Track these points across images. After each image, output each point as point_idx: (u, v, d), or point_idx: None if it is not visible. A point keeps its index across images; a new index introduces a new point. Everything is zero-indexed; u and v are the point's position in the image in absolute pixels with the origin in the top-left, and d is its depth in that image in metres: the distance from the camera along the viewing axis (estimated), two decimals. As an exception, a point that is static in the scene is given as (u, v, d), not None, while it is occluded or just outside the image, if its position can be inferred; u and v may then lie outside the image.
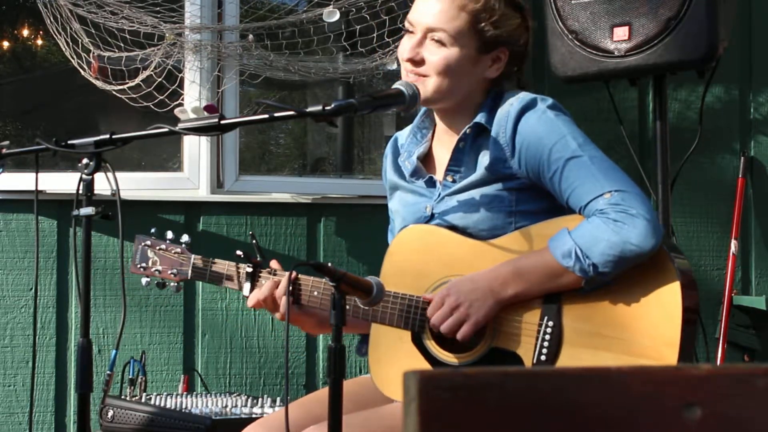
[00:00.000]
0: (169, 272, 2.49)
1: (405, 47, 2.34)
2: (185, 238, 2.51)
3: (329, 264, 2.04)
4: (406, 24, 2.36)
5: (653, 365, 1.10)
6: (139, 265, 2.53)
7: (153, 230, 2.54)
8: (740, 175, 4.27)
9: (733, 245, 4.23)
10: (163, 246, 2.51)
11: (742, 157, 4.29)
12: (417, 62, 2.31)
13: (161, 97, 3.69)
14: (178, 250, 2.50)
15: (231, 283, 2.42)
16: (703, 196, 4.29)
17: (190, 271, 2.48)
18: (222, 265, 2.44)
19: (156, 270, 2.51)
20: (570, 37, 3.43)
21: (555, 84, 3.69)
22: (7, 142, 2.36)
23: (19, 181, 3.71)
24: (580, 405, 1.02)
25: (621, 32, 3.34)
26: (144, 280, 2.53)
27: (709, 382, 1.04)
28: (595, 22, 3.39)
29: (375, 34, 3.84)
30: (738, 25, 4.08)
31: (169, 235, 2.52)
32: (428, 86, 2.30)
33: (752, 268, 4.33)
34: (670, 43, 3.27)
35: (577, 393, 1.02)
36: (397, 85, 2.24)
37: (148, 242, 2.53)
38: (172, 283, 2.50)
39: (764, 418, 1.03)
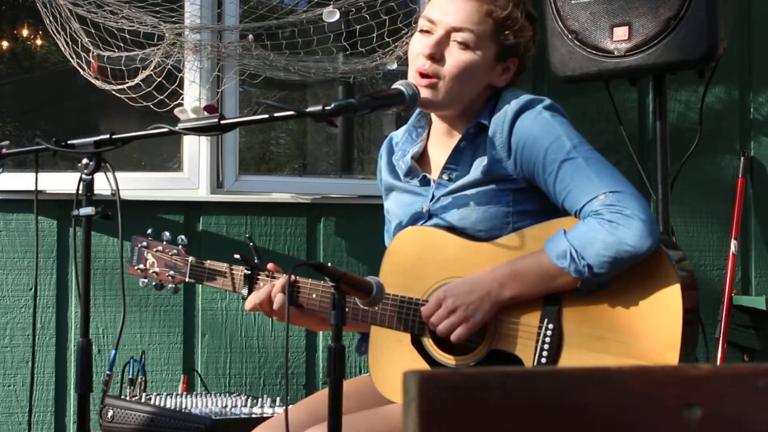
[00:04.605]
0: (167, 274, 2.50)
1: (423, 44, 2.30)
2: (182, 239, 2.51)
3: (329, 264, 2.04)
4: (424, 22, 2.32)
5: (653, 365, 1.10)
6: (136, 267, 2.53)
7: (150, 231, 2.54)
8: (740, 175, 4.28)
9: (733, 245, 4.23)
10: (160, 247, 2.51)
11: (742, 157, 4.29)
12: (437, 60, 2.28)
13: (161, 97, 3.69)
14: (175, 251, 2.50)
15: (228, 286, 2.42)
16: (703, 196, 4.29)
17: (187, 274, 2.48)
18: (219, 268, 2.44)
19: (153, 272, 2.51)
20: (570, 37, 3.43)
21: (555, 84, 3.69)
22: (7, 142, 2.36)
23: (19, 181, 3.71)
24: (580, 405, 1.02)
25: (621, 32, 3.34)
26: (141, 282, 2.54)
27: (709, 382, 1.04)
28: (595, 22, 3.39)
29: (375, 34, 3.84)
30: (738, 25, 4.08)
31: (166, 236, 2.53)
32: (440, 90, 2.29)
33: (752, 268, 4.33)
34: (670, 43, 3.27)
35: (577, 393, 1.02)
36: (397, 85, 2.23)
37: (145, 243, 2.53)
38: (170, 285, 2.50)
39: (764, 418, 1.03)
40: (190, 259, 2.48)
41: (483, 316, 2.19)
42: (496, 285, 2.18)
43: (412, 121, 2.45)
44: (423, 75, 2.29)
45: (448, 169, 2.34)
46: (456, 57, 2.28)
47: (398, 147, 2.46)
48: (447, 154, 2.35)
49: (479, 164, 2.28)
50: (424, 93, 2.28)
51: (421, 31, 2.33)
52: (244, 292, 2.39)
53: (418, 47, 2.31)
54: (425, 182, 2.38)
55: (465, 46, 2.28)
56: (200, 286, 3.84)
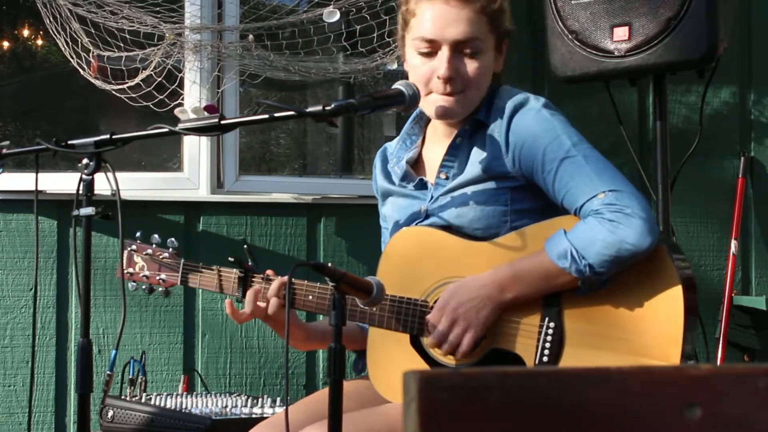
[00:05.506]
0: (157, 278, 2.46)
1: (433, 67, 2.27)
2: (172, 241, 2.48)
3: (329, 264, 2.04)
4: (421, 44, 2.29)
5: (653, 365, 1.10)
6: (126, 271, 2.48)
7: (138, 234, 2.51)
8: (740, 175, 4.28)
9: (733, 245, 4.24)
10: (150, 250, 2.47)
11: (742, 157, 4.29)
12: (454, 79, 2.27)
13: (161, 97, 3.69)
14: (166, 254, 2.46)
15: (221, 289, 2.40)
16: (703, 196, 4.29)
17: (179, 277, 2.45)
18: (212, 271, 2.42)
19: (143, 275, 2.47)
20: (570, 37, 3.43)
21: (555, 84, 3.69)
22: (7, 142, 2.36)
23: (19, 181, 3.71)
24: (580, 405, 1.02)
25: (621, 32, 3.34)
26: (131, 285, 2.50)
27: (709, 382, 1.04)
28: (595, 22, 3.39)
29: (375, 34, 3.84)
30: (738, 25, 4.08)
31: (156, 238, 2.49)
32: (466, 102, 2.29)
33: (752, 268, 4.33)
34: (670, 43, 3.27)
35: (577, 393, 1.02)
36: (397, 85, 2.23)
37: (134, 246, 2.50)
38: (160, 288, 2.47)
39: (764, 418, 1.03)
40: (182, 262, 2.45)
41: (485, 322, 2.19)
42: (496, 288, 2.18)
43: (406, 129, 2.46)
44: (448, 94, 2.28)
45: (446, 166, 2.33)
46: (472, 67, 2.28)
47: (392, 155, 2.46)
48: (443, 152, 2.35)
49: (477, 159, 2.28)
50: (450, 106, 2.28)
51: (422, 54, 2.31)
52: (238, 294, 2.37)
53: (426, 71, 2.29)
54: (421, 186, 2.38)
55: (475, 54, 2.28)
56: (200, 286, 3.84)
